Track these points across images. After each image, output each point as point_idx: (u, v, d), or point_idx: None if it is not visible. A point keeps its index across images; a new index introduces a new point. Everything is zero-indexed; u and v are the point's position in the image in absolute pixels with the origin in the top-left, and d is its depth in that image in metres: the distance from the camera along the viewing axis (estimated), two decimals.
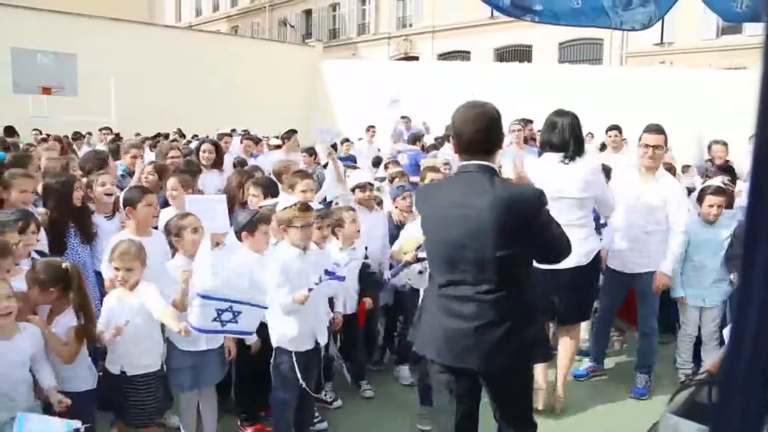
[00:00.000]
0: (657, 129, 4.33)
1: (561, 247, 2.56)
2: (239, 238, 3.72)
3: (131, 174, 5.68)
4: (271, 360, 3.51)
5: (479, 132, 2.48)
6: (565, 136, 3.85)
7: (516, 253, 2.41)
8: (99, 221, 4.13)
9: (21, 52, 14.83)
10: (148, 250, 3.22)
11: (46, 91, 15.04)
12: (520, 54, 25.34)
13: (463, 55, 27.28)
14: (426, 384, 4.04)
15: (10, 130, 10.90)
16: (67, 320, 2.93)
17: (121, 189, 4.66)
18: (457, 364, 2.50)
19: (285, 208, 3.43)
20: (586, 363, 4.88)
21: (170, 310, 3.05)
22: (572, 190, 3.83)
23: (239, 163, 7.28)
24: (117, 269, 3.08)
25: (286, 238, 3.45)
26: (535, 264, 2.67)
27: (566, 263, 2.92)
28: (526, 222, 2.40)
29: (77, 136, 11.99)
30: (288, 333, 3.41)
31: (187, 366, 3.36)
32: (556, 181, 3.73)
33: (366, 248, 4.46)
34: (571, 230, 2.91)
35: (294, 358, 3.40)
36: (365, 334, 4.60)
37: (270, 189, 4.63)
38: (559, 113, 3.96)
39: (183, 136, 13.60)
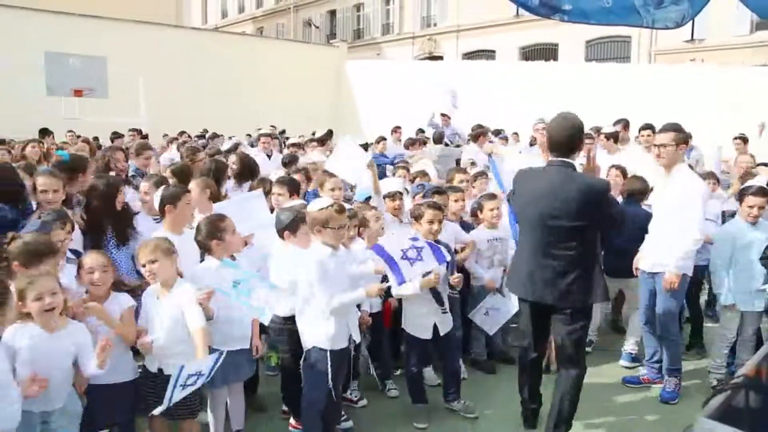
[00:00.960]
0: (665, 128, 4.34)
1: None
2: (281, 236, 3.75)
3: (142, 175, 5.72)
4: (302, 361, 3.51)
5: (566, 137, 3.44)
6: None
7: (586, 225, 3.38)
8: (148, 223, 4.18)
9: (54, 56, 15.17)
10: (181, 248, 3.31)
11: (78, 93, 15.36)
12: (545, 53, 25.08)
13: (488, 54, 27.11)
14: (416, 385, 4.11)
15: (44, 132, 11.19)
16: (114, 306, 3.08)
17: (136, 189, 4.74)
18: (538, 299, 3.51)
19: (321, 208, 3.42)
20: (641, 370, 4.73)
21: (202, 333, 3.06)
22: None
23: (291, 161, 7.29)
24: (144, 266, 3.14)
25: (318, 237, 3.45)
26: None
27: None
28: (597, 203, 3.37)
29: (117, 135, 12.23)
30: (326, 331, 3.40)
31: (222, 364, 3.39)
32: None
33: None
34: None
35: (329, 357, 3.41)
36: (390, 335, 4.60)
37: (296, 188, 4.66)
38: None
39: (203, 137, 13.75)
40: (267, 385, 4.38)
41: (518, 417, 4.01)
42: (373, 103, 20.47)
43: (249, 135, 14.10)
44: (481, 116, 11.52)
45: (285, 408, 4.06)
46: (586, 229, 3.40)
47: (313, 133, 13.42)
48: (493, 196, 4.97)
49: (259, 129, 13.55)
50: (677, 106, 12.88)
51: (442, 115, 12.11)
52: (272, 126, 14.34)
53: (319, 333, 3.43)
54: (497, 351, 5.01)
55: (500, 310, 4.72)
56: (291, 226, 3.69)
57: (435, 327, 3.99)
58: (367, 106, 21.14)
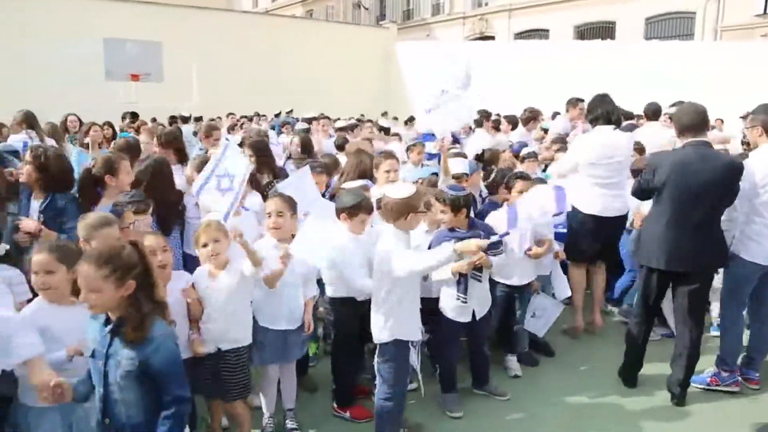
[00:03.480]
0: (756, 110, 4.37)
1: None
2: (338, 216, 3.72)
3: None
4: (378, 360, 3.33)
5: (699, 120, 3.90)
6: (612, 109, 4.93)
7: (722, 198, 3.87)
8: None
9: (112, 42, 15.63)
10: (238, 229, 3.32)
11: (135, 77, 15.80)
12: (602, 31, 24.16)
13: (541, 33, 26.34)
14: (450, 373, 4.00)
15: (134, 115, 11.66)
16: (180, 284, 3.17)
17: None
18: (673, 268, 3.92)
19: (410, 195, 3.17)
20: (709, 370, 4.35)
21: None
22: (621, 155, 4.90)
23: (341, 144, 7.30)
24: (205, 245, 3.16)
25: (402, 224, 3.23)
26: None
27: (611, 213, 4.82)
28: (734, 180, 3.85)
29: (174, 121, 12.61)
30: (412, 324, 3.32)
31: (271, 343, 3.42)
32: (610, 147, 4.83)
33: None
34: (618, 187, 4.84)
35: (416, 347, 3.34)
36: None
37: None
38: (603, 95, 5.04)
39: (251, 119, 13.99)
40: (318, 366, 4.40)
41: (567, 412, 4.00)
42: (423, 85, 20.21)
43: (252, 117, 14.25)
44: (535, 98, 11.19)
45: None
46: (722, 202, 3.88)
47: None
48: (526, 177, 4.68)
49: (277, 114, 13.74)
50: (746, 85, 12.17)
51: None
52: (287, 113, 14.44)
53: (402, 325, 3.27)
54: (540, 343, 4.86)
55: (548, 310, 4.61)
56: (352, 209, 3.64)
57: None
58: (416, 88, 20.91)
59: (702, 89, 11.05)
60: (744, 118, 9.01)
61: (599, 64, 16.69)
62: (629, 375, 4.33)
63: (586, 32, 25.04)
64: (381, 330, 3.26)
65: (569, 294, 4.85)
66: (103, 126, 7.81)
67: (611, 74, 15.42)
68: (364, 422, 3.74)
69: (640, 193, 4.16)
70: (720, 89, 12.19)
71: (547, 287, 4.84)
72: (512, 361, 4.52)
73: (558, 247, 4.70)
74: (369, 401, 3.85)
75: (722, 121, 11.40)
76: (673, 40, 20.88)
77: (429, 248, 3.85)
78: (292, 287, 3.46)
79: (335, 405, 3.90)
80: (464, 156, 5.44)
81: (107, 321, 2.24)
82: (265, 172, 4.91)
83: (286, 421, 3.66)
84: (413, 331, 3.31)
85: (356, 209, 3.63)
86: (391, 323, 3.23)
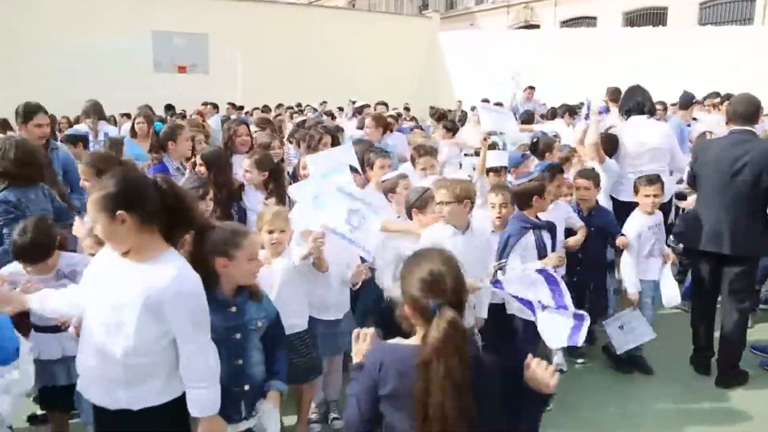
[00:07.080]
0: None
1: None
2: (409, 215, 3.73)
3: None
4: None
5: (752, 111, 4.08)
6: (644, 99, 5.18)
7: (758, 183, 3.91)
8: (257, 197, 4.25)
9: (160, 35, 16.02)
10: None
11: (182, 69, 16.17)
12: (653, 17, 23.30)
13: (589, 21, 25.61)
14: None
15: (169, 107, 11.98)
16: None
17: None
18: (710, 248, 4.09)
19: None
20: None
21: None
22: (654, 142, 5.10)
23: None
24: (271, 232, 3.16)
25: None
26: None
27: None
28: None
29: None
30: None
31: (322, 333, 3.43)
32: (643, 135, 5.08)
33: None
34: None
35: None
36: None
37: None
38: (635, 87, 5.29)
39: (301, 111, 14.06)
40: None
41: (611, 409, 3.94)
42: (467, 75, 19.97)
43: (315, 109, 14.27)
44: (582, 89, 10.90)
45: None
46: (758, 187, 3.91)
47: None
48: (652, 180, 4.38)
49: (354, 102, 13.71)
50: None
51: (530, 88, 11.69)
52: (352, 101, 14.42)
53: None
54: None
55: (636, 331, 4.25)
56: (419, 203, 3.65)
57: None
58: (460, 78, 20.68)
59: (763, 76, 10.55)
60: None
61: (650, 51, 16.11)
62: (700, 361, 4.38)
63: (636, 19, 24.20)
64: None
65: (678, 302, 4.45)
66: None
67: (663, 62, 14.89)
68: None
69: (690, 180, 4.45)
70: None
71: (655, 293, 4.45)
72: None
73: (668, 249, 4.50)
74: None
75: None
76: (731, 26, 19.97)
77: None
78: (336, 276, 3.45)
79: None
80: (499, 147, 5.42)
81: (226, 301, 2.50)
82: None
83: (330, 412, 3.67)
84: None
85: (425, 202, 3.63)
86: None
